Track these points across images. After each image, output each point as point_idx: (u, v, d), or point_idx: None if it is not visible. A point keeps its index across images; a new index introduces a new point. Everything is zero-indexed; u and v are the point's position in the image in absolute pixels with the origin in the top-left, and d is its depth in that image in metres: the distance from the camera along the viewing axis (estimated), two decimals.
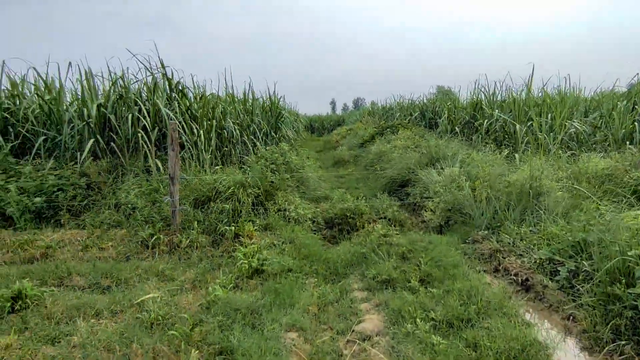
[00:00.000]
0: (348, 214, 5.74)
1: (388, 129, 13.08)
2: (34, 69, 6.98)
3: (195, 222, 4.90)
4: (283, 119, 11.85)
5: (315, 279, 3.81)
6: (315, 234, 5.33)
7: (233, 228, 4.70)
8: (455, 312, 3.00)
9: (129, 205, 5.36)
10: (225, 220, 4.95)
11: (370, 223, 5.71)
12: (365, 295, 3.57)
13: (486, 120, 9.39)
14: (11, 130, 6.82)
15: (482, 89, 10.75)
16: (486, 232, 4.73)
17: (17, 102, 7.03)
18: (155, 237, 4.63)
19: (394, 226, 5.53)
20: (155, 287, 3.66)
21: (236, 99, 9.33)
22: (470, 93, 11.59)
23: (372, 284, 3.71)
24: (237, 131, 7.80)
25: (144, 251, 4.62)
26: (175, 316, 3.01)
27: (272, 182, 5.94)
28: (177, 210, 4.91)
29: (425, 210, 5.92)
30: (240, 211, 5.16)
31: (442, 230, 5.46)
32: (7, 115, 6.84)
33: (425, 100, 15.63)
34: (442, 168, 6.86)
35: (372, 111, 23.48)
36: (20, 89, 7.26)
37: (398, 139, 10.90)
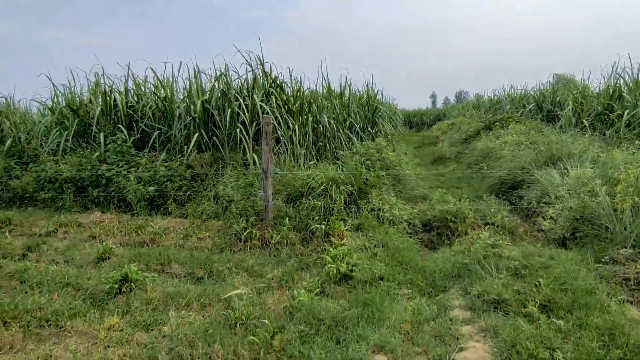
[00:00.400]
0: (448, 217, 5.16)
1: (496, 123, 11.77)
2: (152, 69, 7.69)
3: (287, 219, 4.82)
4: (380, 113, 11.42)
5: (410, 290, 3.39)
6: (410, 237, 4.87)
7: (324, 227, 4.50)
8: (591, 356, 2.34)
9: (226, 198, 5.52)
10: (317, 217, 4.78)
11: (474, 229, 5.06)
12: (468, 316, 3.05)
13: (627, 112, 7.77)
14: (134, 125, 7.61)
15: (623, 73, 8.93)
16: (631, 251, 3.77)
17: (139, 100, 7.81)
18: (248, 231, 4.66)
19: (503, 234, 4.78)
20: (244, 282, 3.62)
21: (333, 93, 9.19)
22: (604, 79, 9.75)
23: (477, 303, 3.16)
24: (333, 125, 7.64)
25: (236, 244, 4.69)
26: (259, 318, 2.89)
27: (367, 179, 5.61)
28: (269, 205, 4.89)
29: (544, 218, 5.03)
30: (332, 209, 4.94)
31: (565, 243, 4.56)
32: (131, 112, 7.65)
33: (541, 90, 13.71)
34: (565, 168, 5.80)
35: (477, 104, 21.60)
36: (142, 89, 8.06)
37: (509, 134, 9.69)
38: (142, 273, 3.67)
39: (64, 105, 8.03)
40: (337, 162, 6.87)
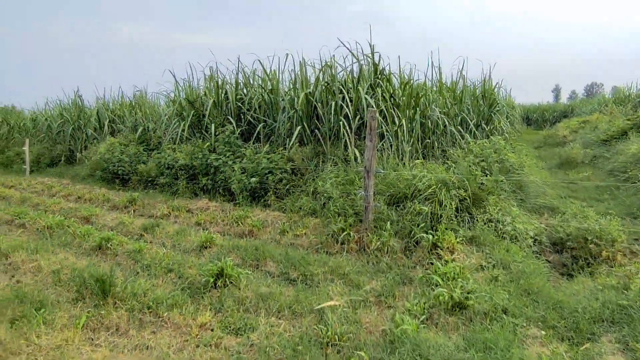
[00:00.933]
0: (588, 237, 4.18)
1: None
2: (260, 62, 7.82)
3: (388, 223, 4.38)
4: (497, 108, 10.15)
5: (542, 332, 2.69)
6: (537, 257, 4.05)
7: (431, 237, 3.95)
8: None
9: (325, 194, 5.28)
10: (422, 225, 4.25)
11: (626, 256, 4.02)
12: None
13: None
14: (242, 117, 7.86)
15: None
16: None
17: (247, 93, 8.04)
18: (345, 232, 4.34)
19: None
20: (339, 292, 3.30)
21: (443, 85, 8.37)
22: None
23: None
24: (443, 121, 6.90)
25: (333, 245, 4.40)
26: (354, 339, 2.53)
27: (482, 183, 4.87)
28: (370, 206, 4.50)
29: None
30: (440, 216, 4.35)
31: None
32: (240, 104, 7.91)
33: None
34: None
35: (620, 98, 18.14)
36: (250, 81, 8.29)
37: None
38: (237, 268, 3.59)
39: (183, 97, 8.66)
40: (447, 161, 6.16)
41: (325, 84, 6.69)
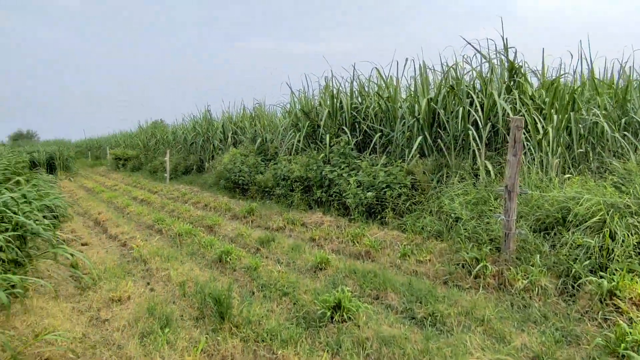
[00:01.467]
0: None
1: None
2: (376, 69, 7.44)
3: (537, 255, 3.56)
4: None
5: None
6: None
7: (604, 281, 3.04)
8: None
9: (452, 215, 4.63)
10: (586, 262, 3.34)
11: None
12: None
13: None
14: (357, 126, 7.59)
15: None
16: None
17: (362, 101, 7.74)
18: (481, 264, 3.66)
19: None
20: (478, 345, 2.68)
21: (599, 82, 6.87)
22: None
23: None
24: (602, 126, 5.59)
25: (464, 278, 3.75)
26: None
27: None
28: (511, 234, 3.73)
29: None
30: (612, 252, 3.37)
31: None
32: (355, 114, 7.64)
33: None
34: None
35: None
36: (366, 89, 7.98)
37: None
38: (355, 300, 3.23)
39: (298, 109, 8.77)
40: (608, 177, 4.91)
41: (449, 88, 5.99)
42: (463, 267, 3.86)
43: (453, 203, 4.69)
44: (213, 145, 12.52)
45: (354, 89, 7.99)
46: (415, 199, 5.50)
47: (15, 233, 3.70)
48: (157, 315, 3.23)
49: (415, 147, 5.92)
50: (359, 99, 7.90)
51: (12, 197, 3.97)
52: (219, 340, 2.85)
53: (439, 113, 6.08)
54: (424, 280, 3.87)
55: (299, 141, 8.05)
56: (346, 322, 3.03)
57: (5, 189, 4.33)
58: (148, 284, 4.18)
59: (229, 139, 11.89)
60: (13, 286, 3.09)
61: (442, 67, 6.56)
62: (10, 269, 3.90)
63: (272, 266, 4.45)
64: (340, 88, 8.05)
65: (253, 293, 3.76)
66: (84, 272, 4.31)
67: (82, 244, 5.74)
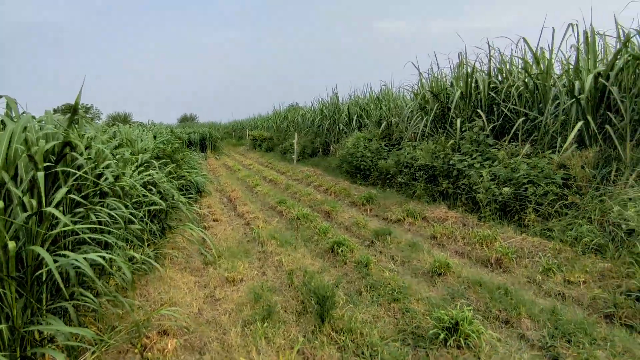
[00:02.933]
0: None
1: None
2: (524, 39, 6.19)
3: None
4: None
5: None
6: None
7: None
8: None
9: (623, 225, 3.55)
10: None
11: None
12: None
13: None
14: (494, 109, 6.55)
15: None
16: None
17: (503, 80, 6.61)
18: None
19: None
20: None
21: None
22: None
23: None
24: None
25: (638, 315, 2.80)
26: None
27: None
28: None
29: None
30: None
31: None
32: (493, 95, 6.59)
33: None
34: None
35: None
36: (508, 66, 6.80)
37: None
38: (477, 323, 2.67)
39: (427, 89, 8.01)
40: None
41: (632, 58, 4.59)
42: (638, 300, 2.90)
43: (626, 210, 3.59)
44: (338, 128, 12.54)
45: (493, 67, 6.88)
46: (567, 199, 4.43)
47: (156, 207, 4.15)
48: (262, 304, 3.22)
49: (573, 134, 4.75)
50: (499, 77, 6.78)
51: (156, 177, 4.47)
52: (317, 346, 2.65)
53: (610, 91, 4.74)
54: (574, 308, 3.03)
55: (425, 125, 7.36)
56: (463, 349, 2.52)
57: (152, 169, 4.90)
58: (261, 267, 4.27)
59: (354, 122, 11.72)
60: (144, 262, 3.43)
61: (619, 31, 5.08)
62: (155, 240, 4.43)
63: (384, 264, 4.11)
64: (476, 66, 7.03)
65: (360, 293, 3.48)
66: (209, 249, 4.64)
67: (213, 220, 6.27)
